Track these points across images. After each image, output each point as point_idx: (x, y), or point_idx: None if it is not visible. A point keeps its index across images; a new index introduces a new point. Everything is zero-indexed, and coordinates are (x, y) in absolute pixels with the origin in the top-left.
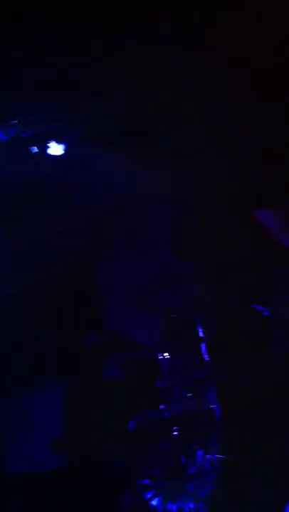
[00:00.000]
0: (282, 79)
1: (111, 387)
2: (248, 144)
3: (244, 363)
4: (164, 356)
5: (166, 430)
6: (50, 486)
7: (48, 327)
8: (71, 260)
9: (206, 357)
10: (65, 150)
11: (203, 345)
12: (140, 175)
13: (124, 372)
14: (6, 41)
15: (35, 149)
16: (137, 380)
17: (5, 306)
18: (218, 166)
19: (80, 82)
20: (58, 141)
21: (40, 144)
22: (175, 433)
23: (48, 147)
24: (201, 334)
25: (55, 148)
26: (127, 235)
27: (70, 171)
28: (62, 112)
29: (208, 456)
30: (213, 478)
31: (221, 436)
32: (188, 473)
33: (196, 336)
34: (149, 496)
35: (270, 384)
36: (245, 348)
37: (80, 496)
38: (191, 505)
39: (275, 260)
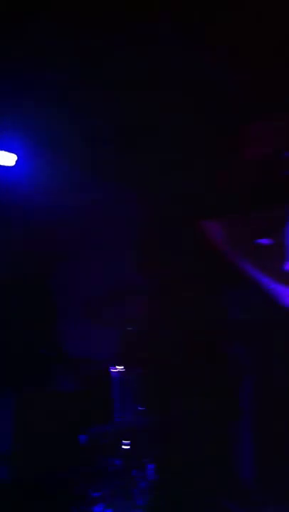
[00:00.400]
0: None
1: (63, 399)
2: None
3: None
4: (117, 369)
5: (117, 443)
6: None
7: None
8: (25, 271)
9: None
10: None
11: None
12: (96, 186)
13: (76, 385)
14: None
15: None
16: (90, 392)
17: None
18: (166, 178)
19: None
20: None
21: None
22: (127, 446)
23: None
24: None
25: (6, 158)
26: (81, 247)
27: (23, 181)
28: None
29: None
30: (163, 492)
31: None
32: (138, 487)
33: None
34: (98, 509)
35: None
36: (198, 357)
37: (28, 510)
38: None
39: (223, 273)
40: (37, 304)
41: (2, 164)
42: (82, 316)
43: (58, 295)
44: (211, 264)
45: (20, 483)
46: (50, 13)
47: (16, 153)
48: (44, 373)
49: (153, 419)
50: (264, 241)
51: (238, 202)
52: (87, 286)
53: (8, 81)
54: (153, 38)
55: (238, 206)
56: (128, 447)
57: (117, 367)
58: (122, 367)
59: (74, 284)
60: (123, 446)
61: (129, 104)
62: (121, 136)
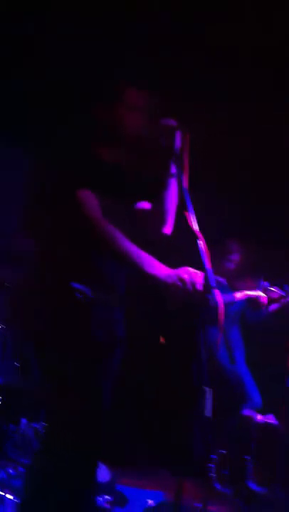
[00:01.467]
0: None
1: None
2: None
3: None
4: None
5: None
6: None
7: None
8: None
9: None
10: None
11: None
12: None
13: None
14: None
15: None
16: None
17: None
18: None
19: None
20: None
21: None
22: None
23: None
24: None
25: None
26: None
27: None
28: None
29: (33, 424)
30: (37, 446)
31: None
32: (11, 441)
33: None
34: None
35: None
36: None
37: None
38: (12, 472)
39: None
40: None
41: None
42: None
43: None
44: (86, 234)
45: None
46: None
47: None
48: None
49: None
50: (143, 205)
51: (112, 171)
52: None
53: None
54: None
55: (113, 175)
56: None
57: None
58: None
59: None
60: None
61: None
62: None
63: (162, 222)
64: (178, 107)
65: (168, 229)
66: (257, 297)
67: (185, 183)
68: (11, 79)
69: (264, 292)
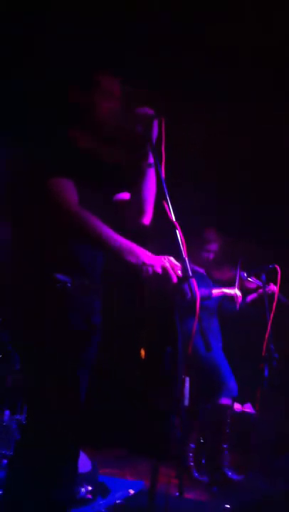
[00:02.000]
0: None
1: None
2: None
3: None
4: None
5: None
6: None
7: None
8: None
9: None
10: None
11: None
12: None
13: None
14: None
15: None
16: None
17: None
18: None
19: None
20: None
21: None
22: None
23: None
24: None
25: None
26: None
27: None
28: None
29: (16, 416)
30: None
31: None
32: None
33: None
34: None
35: None
36: None
37: None
38: None
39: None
40: None
41: None
42: None
43: None
44: (63, 221)
45: None
46: None
47: None
48: None
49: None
50: (122, 196)
51: (89, 159)
52: None
53: None
54: None
55: (90, 164)
56: None
57: None
58: None
59: None
60: None
61: None
62: None
63: (141, 212)
64: (153, 97)
65: (147, 219)
66: (234, 295)
67: (163, 173)
68: None
69: (241, 283)
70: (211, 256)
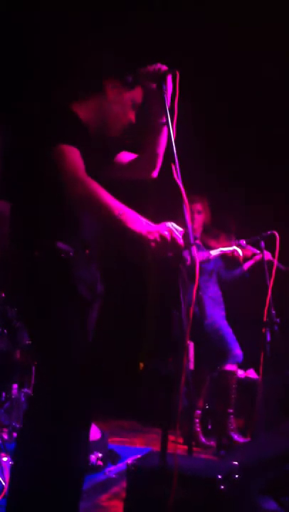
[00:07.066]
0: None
1: None
2: None
3: None
4: None
5: None
6: None
7: None
8: None
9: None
10: None
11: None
12: None
13: None
14: None
15: None
16: None
17: None
18: None
19: None
20: None
21: None
22: None
23: None
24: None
25: None
26: None
27: None
28: None
29: (24, 389)
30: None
31: None
32: (3, 407)
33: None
34: None
35: None
36: None
37: None
38: (6, 438)
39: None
40: None
41: None
42: None
43: None
44: (66, 189)
45: None
46: None
47: None
48: None
49: None
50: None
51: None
52: None
53: None
54: None
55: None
56: None
57: None
58: None
59: None
60: None
61: None
62: None
63: (153, 165)
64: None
65: (156, 172)
66: (232, 252)
67: (173, 134)
68: None
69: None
70: (197, 217)
